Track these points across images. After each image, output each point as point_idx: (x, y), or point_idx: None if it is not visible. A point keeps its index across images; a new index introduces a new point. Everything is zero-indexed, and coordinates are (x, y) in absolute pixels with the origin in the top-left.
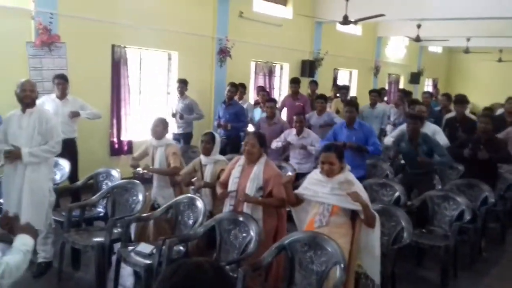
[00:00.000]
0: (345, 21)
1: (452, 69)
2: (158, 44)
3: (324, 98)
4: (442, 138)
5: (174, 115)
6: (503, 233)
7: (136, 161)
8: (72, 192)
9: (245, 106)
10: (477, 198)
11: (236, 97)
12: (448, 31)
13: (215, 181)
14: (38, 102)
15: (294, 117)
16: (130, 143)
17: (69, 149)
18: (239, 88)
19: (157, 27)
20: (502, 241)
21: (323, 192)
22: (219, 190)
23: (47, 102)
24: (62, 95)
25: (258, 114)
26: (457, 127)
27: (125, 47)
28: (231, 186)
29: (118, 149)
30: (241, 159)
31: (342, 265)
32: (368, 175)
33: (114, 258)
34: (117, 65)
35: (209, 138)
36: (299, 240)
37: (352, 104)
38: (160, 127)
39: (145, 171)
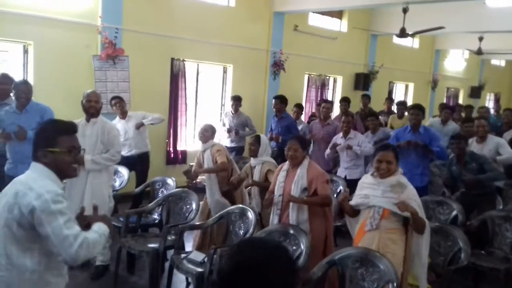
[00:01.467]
0: (402, 34)
1: None
2: (214, 58)
3: (375, 116)
4: (508, 151)
5: (229, 131)
6: None
7: (195, 175)
8: (132, 199)
9: (300, 127)
10: None
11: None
12: (511, 44)
13: (263, 180)
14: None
15: (342, 118)
16: (184, 153)
17: (142, 162)
18: (286, 103)
19: (214, 41)
20: None
21: (374, 195)
22: (268, 197)
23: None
24: (123, 114)
25: None
26: None
27: (183, 60)
28: (277, 191)
29: (173, 159)
30: (285, 164)
31: (395, 284)
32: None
33: (167, 264)
34: (176, 77)
35: (254, 140)
36: (350, 256)
37: (418, 107)
38: (210, 132)
39: (196, 180)
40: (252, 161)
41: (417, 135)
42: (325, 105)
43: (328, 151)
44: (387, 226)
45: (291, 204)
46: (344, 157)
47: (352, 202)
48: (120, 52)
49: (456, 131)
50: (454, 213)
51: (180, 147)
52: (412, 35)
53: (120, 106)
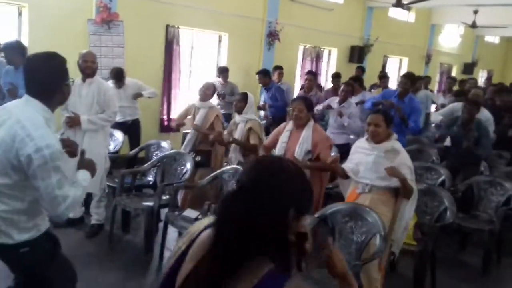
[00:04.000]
0: (398, 3)
1: (509, 61)
2: (210, 25)
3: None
4: (491, 130)
5: (219, 96)
6: None
7: (176, 122)
8: (126, 162)
9: (284, 88)
10: None
11: (275, 79)
12: (506, 18)
13: (245, 138)
14: None
15: (342, 86)
16: None
17: (136, 128)
18: (270, 75)
19: (210, 8)
20: None
21: (366, 163)
22: (262, 153)
23: None
24: (120, 84)
25: None
26: (503, 116)
27: (178, 27)
28: (279, 151)
29: (167, 126)
30: (289, 124)
31: (382, 234)
32: (414, 159)
33: (161, 224)
34: (170, 44)
35: (241, 98)
36: (340, 211)
37: (408, 76)
38: (211, 90)
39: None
40: (237, 117)
41: (400, 102)
42: (308, 76)
43: (319, 107)
44: (378, 189)
45: None
46: (332, 122)
47: (345, 165)
48: (115, 17)
49: (429, 96)
50: (441, 178)
51: (174, 115)
52: (408, 6)
53: (119, 82)
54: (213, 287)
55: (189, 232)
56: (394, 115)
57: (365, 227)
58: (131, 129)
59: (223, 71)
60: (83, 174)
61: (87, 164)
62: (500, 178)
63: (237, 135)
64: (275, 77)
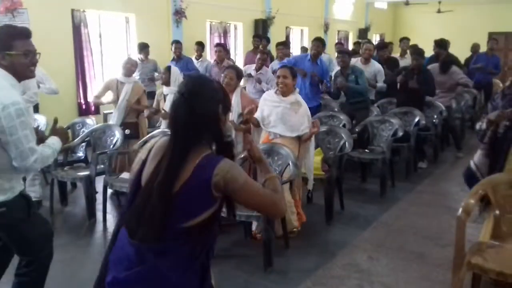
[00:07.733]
0: None
1: (397, 24)
2: (116, 7)
3: (284, 44)
4: (381, 79)
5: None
6: (436, 153)
7: (98, 98)
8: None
9: (205, 64)
10: (411, 123)
11: (195, 55)
12: None
13: None
14: None
15: (258, 55)
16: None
17: None
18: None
19: None
20: (435, 159)
21: (276, 113)
22: None
23: None
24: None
25: None
26: (383, 67)
27: (84, 11)
28: None
29: (85, 110)
30: None
31: (294, 162)
32: (320, 111)
33: (98, 195)
34: (78, 29)
35: (165, 70)
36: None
37: (320, 40)
38: (135, 66)
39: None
40: (165, 89)
41: (315, 66)
42: (216, 48)
43: None
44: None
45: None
46: (251, 88)
47: (257, 115)
48: (18, 5)
49: (332, 60)
50: (342, 123)
51: (91, 98)
52: None
53: None
54: (173, 170)
55: (146, 147)
56: (312, 80)
57: (280, 160)
58: None
59: (143, 48)
60: (52, 139)
61: (59, 132)
62: (388, 116)
63: (167, 106)
64: (174, 51)
